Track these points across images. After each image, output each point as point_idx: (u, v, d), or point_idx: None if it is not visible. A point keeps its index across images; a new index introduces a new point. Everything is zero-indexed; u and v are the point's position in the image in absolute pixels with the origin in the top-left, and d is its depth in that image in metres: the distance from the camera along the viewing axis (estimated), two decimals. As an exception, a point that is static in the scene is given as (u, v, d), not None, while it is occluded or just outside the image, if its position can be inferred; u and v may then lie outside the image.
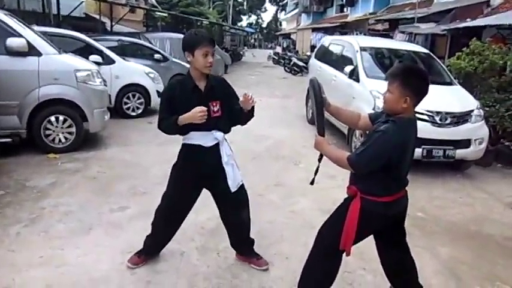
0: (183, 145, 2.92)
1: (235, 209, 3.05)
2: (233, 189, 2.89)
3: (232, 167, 2.91)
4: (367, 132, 2.63)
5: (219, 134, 2.84)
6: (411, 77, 2.31)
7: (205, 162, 2.85)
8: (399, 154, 2.29)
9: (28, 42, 5.36)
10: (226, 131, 2.92)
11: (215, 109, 2.80)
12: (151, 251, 3.18)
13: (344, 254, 2.52)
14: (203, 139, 2.82)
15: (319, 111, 2.54)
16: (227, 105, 2.85)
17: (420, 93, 2.30)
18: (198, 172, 2.88)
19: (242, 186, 3.03)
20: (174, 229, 3.12)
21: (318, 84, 2.58)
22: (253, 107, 2.86)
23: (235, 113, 2.88)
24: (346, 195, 2.56)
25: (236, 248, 3.27)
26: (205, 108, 2.67)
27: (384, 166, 2.29)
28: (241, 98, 2.80)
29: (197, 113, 2.65)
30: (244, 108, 2.81)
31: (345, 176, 2.55)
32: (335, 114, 2.71)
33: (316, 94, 2.55)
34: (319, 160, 2.60)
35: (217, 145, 2.85)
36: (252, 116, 2.92)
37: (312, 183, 2.68)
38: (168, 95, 2.83)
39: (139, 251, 3.15)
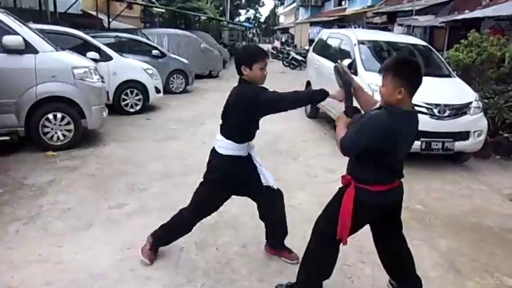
0: (223, 156, 2.91)
1: (270, 202, 3.11)
2: (275, 185, 3.03)
3: (264, 169, 3.03)
4: None
5: (251, 144, 3.00)
6: (403, 68, 2.33)
7: (243, 172, 2.95)
8: (391, 142, 2.29)
9: (24, 39, 5.33)
10: (253, 138, 3.05)
11: None
12: (163, 243, 3.20)
13: (341, 244, 2.54)
14: (243, 150, 2.93)
15: (347, 92, 2.66)
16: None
17: (414, 83, 2.32)
18: (237, 182, 2.97)
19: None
20: (189, 230, 3.16)
21: (343, 67, 2.74)
22: None
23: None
24: (341, 186, 2.57)
25: (272, 240, 3.30)
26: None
27: (374, 154, 2.31)
28: None
29: (342, 93, 2.72)
30: None
31: (343, 170, 2.55)
32: (357, 93, 2.73)
33: (342, 76, 2.69)
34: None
35: (249, 154, 2.99)
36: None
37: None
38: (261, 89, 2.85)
39: (154, 245, 3.14)
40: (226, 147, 2.89)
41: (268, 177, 3.02)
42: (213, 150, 2.96)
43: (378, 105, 2.51)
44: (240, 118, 2.82)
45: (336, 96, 2.77)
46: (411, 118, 2.40)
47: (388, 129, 2.27)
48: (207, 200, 3.02)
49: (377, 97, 2.67)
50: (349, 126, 2.48)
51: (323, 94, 2.78)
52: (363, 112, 2.73)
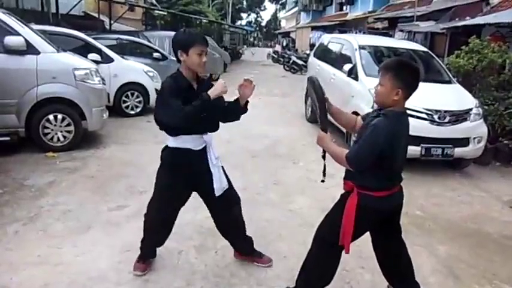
0: (171, 149, 2.78)
1: (225, 210, 2.99)
2: (218, 193, 2.82)
3: (219, 169, 2.85)
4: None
5: (207, 137, 2.80)
6: (403, 70, 2.35)
7: (195, 166, 2.78)
8: (390, 146, 2.29)
9: (26, 40, 5.34)
10: (215, 129, 2.88)
11: None
12: (150, 254, 3.11)
13: (344, 251, 2.53)
14: (193, 142, 2.75)
15: (322, 108, 2.57)
16: (216, 105, 2.73)
17: (411, 87, 2.34)
18: (187, 175, 2.80)
19: (231, 185, 2.98)
20: (168, 230, 3.04)
21: (318, 81, 2.63)
22: (247, 101, 2.84)
23: (229, 109, 2.85)
24: (343, 192, 2.57)
25: (236, 247, 3.24)
26: (223, 82, 2.66)
27: (376, 160, 2.30)
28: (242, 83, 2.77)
29: (222, 85, 2.63)
30: (243, 95, 2.79)
31: (343, 175, 2.55)
32: (336, 116, 2.72)
33: (317, 91, 2.59)
34: (323, 157, 2.61)
35: (205, 148, 2.80)
36: (246, 110, 2.88)
37: (322, 181, 2.69)
38: (171, 89, 2.63)
39: (140, 257, 3.07)
40: (170, 140, 2.77)
41: (221, 182, 2.83)
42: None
43: (373, 110, 2.52)
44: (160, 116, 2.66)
45: (218, 90, 2.61)
46: (405, 120, 2.43)
47: (390, 134, 2.29)
48: (160, 191, 2.88)
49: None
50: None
51: (205, 99, 2.57)
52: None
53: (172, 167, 2.81)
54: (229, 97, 2.87)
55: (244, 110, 2.88)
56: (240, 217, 3.09)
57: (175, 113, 2.51)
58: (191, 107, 2.53)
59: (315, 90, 2.60)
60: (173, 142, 2.76)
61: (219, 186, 2.82)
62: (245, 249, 3.24)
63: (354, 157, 2.33)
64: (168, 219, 2.98)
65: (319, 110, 2.59)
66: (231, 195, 2.97)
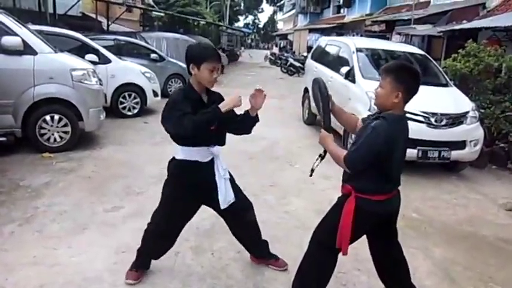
0: (178, 161, 2.73)
1: (236, 218, 2.97)
2: (223, 206, 2.78)
3: (225, 181, 2.79)
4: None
5: (215, 149, 2.75)
6: (404, 73, 2.36)
7: (202, 178, 2.74)
8: (388, 150, 2.30)
9: (23, 40, 5.33)
10: (223, 144, 2.84)
11: None
12: (144, 265, 3.02)
13: (341, 254, 2.53)
14: (200, 154, 2.70)
15: (326, 107, 2.59)
16: (229, 119, 2.73)
17: (411, 91, 2.35)
18: (194, 187, 2.76)
19: (240, 191, 2.95)
20: (169, 244, 2.98)
21: (323, 81, 2.66)
22: (256, 114, 2.81)
23: (239, 121, 2.81)
24: (340, 195, 2.57)
25: (251, 251, 3.23)
26: (239, 96, 2.62)
27: (375, 164, 2.31)
28: (253, 92, 2.73)
29: (237, 99, 2.59)
30: (255, 105, 2.75)
31: (340, 177, 2.56)
32: (337, 115, 2.72)
33: (321, 90, 2.61)
34: (322, 157, 2.61)
35: (212, 160, 2.76)
36: (257, 120, 2.84)
37: (311, 174, 2.68)
38: (180, 100, 2.59)
39: (135, 265, 2.97)
40: (177, 152, 2.72)
41: (226, 195, 2.78)
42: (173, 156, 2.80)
43: (373, 113, 2.52)
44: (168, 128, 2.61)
45: (231, 104, 2.59)
46: (405, 124, 2.43)
47: (390, 138, 2.29)
48: (165, 204, 2.84)
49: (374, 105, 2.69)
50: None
51: (216, 112, 2.55)
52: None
53: (179, 179, 2.77)
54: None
55: (255, 120, 2.84)
56: (252, 222, 3.06)
57: (183, 122, 2.46)
58: (200, 116, 2.51)
59: (320, 90, 2.63)
60: (181, 154, 2.71)
61: (223, 199, 2.77)
62: (260, 253, 3.22)
63: (351, 158, 2.34)
64: (171, 232, 2.92)
65: (323, 110, 2.60)
66: (240, 203, 2.92)
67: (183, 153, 2.70)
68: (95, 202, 4.24)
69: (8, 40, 5.22)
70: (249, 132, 2.92)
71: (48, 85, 5.55)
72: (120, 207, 4.17)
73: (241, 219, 3.00)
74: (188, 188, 2.74)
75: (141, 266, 3.00)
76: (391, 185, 2.49)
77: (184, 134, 2.54)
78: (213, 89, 2.80)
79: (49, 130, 5.69)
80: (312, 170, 2.67)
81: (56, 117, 5.70)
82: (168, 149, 6.45)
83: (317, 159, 2.64)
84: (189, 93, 2.65)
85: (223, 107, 2.56)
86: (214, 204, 2.83)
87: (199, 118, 2.50)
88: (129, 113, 8.57)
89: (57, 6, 13.09)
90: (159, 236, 2.90)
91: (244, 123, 2.84)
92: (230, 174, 2.90)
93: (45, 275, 2.93)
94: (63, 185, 4.64)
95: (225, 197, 2.78)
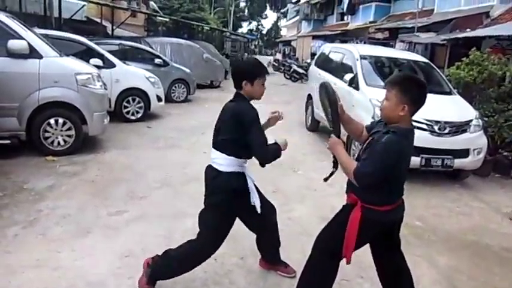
0: (229, 174, 2.71)
1: (266, 219, 2.98)
2: (259, 210, 2.81)
3: (255, 187, 2.86)
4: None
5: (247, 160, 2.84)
6: (410, 85, 2.33)
7: (243, 189, 2.77)
8: (399, 164, 2.29)
9: (29, 44, 5.36)
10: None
11: None
12: (164, 276, 2.90)
13: (346, 263, 2.52)
14: (242, 166, 2.77)
15: (334, 113, 2.57)
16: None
17: (418, 103, 2.33)
18: (241, 201, 2.78)
19: (263, 195, 2.97)
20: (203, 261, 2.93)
21: (331, 86, 2.63)
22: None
23: None
24: (343, 202, 2.57)
25: (267, 255, 3.23)
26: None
27: (383, 178, 2.29)
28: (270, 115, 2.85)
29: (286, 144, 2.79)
30: (268, 125, 2.92)
31: (343, 184, 2.56)
32: (345, 122, 2.69)
33: (330, 95, 2.58)
34: (335, 164, 2.59)
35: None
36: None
37: (325, 180, 2.68)
38: (257, 117, 2.67)
39: (151, 277, 2.84)
40: (228, 163, 2.70)
41: (259, 200, 2.84)
42: (211, 169, 2.76)
43: (377, 119, 2.50)
44: (238, 135, 2.64)
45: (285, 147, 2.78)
46: (412, 137, 2.42)
47: (401, 153, 2.29)
48: (218, 226, 2.78)
49: (378, 112, 2.69)
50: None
51: (279, 150, 2.73)
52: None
53: (232, 193, 2.72)
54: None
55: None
56: (276, 225, 3.11)
57: (262, 145, 2.64)
58: (272, 150, 2.70)
59: (329, 94, 2.59)
60: (228, 167, 2.71)
61: (258, 203, 2.81)
62: (273, 257, 3.23)
63: (361, 174, 2.31)
64: (208, 255, 2.88)
65: (332, 115, 2.58)
66: (267, 206, 2.96)
67: (232, 164, 2.72)
68: (99, 206, 4.24)
69: (14, 43, 5.26)
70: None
71: (53, 89, 5.58)
72: (124, 211, 4.18)
73: (269, 221, 3.02)
74: (236, 200, 2.75)
75: (158, 279, 2.88)
76: (397, 195, 2.49)
77: (256, 154, 2.67)
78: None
79: (53, 133, 5.71)
80: (328, 178, 2.66)
81: (60, 120, 5.72)
82: (170, 154, 6.53)
83: (332, 170, 2.63)
84: (251, 105, 2.73)
85: (283, 147, 2.76)
86: (244, 211, 2.85)
87: (273, 151, 2.71)
88: (133, 118, 8.60)
89: (63, 10, 13.18)
90: (202, 260, 2.87)
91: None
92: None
93: (48, 278, 2.93)
94: (66, 188, 4.65)
95: (259, 201, 2.83)
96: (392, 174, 2.30)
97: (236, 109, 2.67)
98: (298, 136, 8.47)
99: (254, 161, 2.73)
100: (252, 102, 2.76)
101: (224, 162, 2.71)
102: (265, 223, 3.00)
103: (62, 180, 4.86)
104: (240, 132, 2.63)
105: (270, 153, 2.68)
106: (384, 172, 2.27)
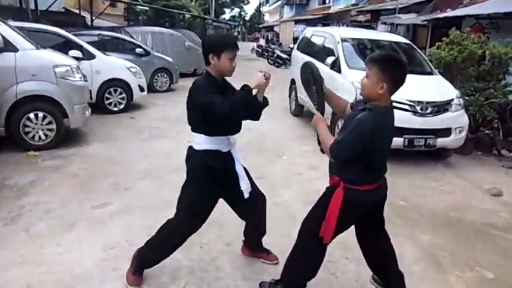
0: (200, 152, 2.66)
1: (256, 205, 2.95)
2: (246, 194, 2.75)
3: (243, 171, 2.79)
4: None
5: (232, 138, 2.75)
6: (390, 64, 2.34)
7: (224, 166, 2.69)
8: (374, 142, 2.31)
9: (3, 37, 5.24)
10: (238, 131, 2.80)
11: None
12: (150, 263, 2.90)
13: (331, 244, 2.55)
14: (221, 144, 2.67)
15: (319, 90, 2.59)
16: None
17: (397, 81, 2.33)
18: (218, 178, 2.69)
19: (254, 184, 2.92)
20: (184, 240, 2.88)
21: (315, 65, 2.66)
22: (265, 97, 2.74)
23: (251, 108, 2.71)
24: (328, 186, 2.58)
25: (252, 242, 3.22)
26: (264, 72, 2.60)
27: (362, 155, 2.31)
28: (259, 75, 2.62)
29: (261, 75, 2.57)
30: (261, 90, 2.67)
31: (327, 167, 2.57)
32: (328, 97, 2.70)
33: (314, 73, 2.60)
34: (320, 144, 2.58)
35: (229, 150, 2.74)
36: (267, 104, 2.77)
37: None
38: (207, 87, 2.57)
39: (139, 267, 2.85)
40: (200, 141, 2.65)
41: (247, 183, 2.78)
42: (189, 148, 2.74)
43: (359, 104, 2.51)
44: (198, 115, 2.58)
45: (258, 82, 2.57)
46: (391, 115, 2.44)
47: (376, 130, 2.29)
48: (195, 203, 2.72)
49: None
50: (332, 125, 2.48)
51: (247, 91, 2.53)
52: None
53: (206, 170, 2.66)
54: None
55: (262, 105, 2.75)
56: (265, 211, 3.07)
57: (221, 103, 2.44)
58: (235, 97, 2.50)
59: (313, 73, 2.61)
60: (202, 144, 2.65)
61: (246, 187, 2.76)
62: (256, 244, 3.22)
63: (336, 148, 2.34)
64: (193, 232, 2.82)
65: (317, 92, 2.60)
66: (257, 191, 2.93)
67: (204, 142, 2.65)
68: (82, 199, 4.20)
69: (-14, 38, 5.13)
70: (257, 118, 2.82)
71: (31, 82, 5.47)
72: (108, 203, 4.15)
73: (258, 207, 2.99)
74: (212, 179, 2.67)
75: (145, 267, 2.88)
76: (378, 174, 2.51)
77: (223, 115, 2.48)
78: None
79: (33, 128, 5.61)
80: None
81: (40, 114, 5.62)
82: (155, 144, 6.48)
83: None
84: (212, 81, 2.63)
85: (252, 84, 2.55)
86: (231, 194, 2.81)
87: (236, 99, 2.50)
88: (115, 109, 8.49)
89: (39, 2, 12.87)
90: (183, 239, 2.82)
91: (253, 108, 2.72)
92: (244, 168, 2.87)
93: (33, 274, 2.91)
94: (49, 183, 4.59)
95: (247, 185, 2.77)
96: (369, 151, 2.32)
97: (191, 86, 2.62)
98: (282, 121, 8.49)
99: (239, 147, 2.71)
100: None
101: (198, 140, 2.67)
102: (253, 210, 2.98)
103: (45, 175, 4.80)
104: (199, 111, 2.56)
105: (235, 104, 2.47)
106: (358, 147, 2.29)
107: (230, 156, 2.74)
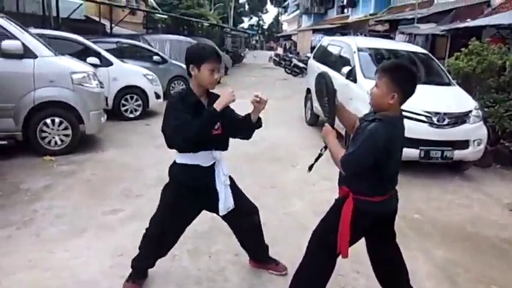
0: (179, 165, 2.67)
1: (242, 221, 2.91)
2: (222, 212, 2.72)
3: (226, 188, 2.72)
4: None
5: (217, 153, 2.70)
6: (401, 73, 2.30)
7: (203, 182, 2.67)
8: (385, 153, 2.25)
9: (23, 44, 5.35)
10: (225, 148, 2.78)
11: (216, 126, 2.61)
12: (141, 273, 2.92)
13: (341, 257, 2.49)
14: (202, 158, 2.64)
15: (331, 101, 2.54)
16: (229, 121, 2.69)
17: (407, 91, 2.29)
18: (195, 193, 2.68)
19: (243, 195, 2.90)
20: (165, 250, 2.91)
21: (329, 75, 2.61)
22: (259, 118, 2.73)
23: (239, 123, 2.73)
24: (337, 197, 2.53)
25: (252, 255, 3.18)
26: (231, 90, 2.56)
27: (372, 165, 2.26)
28: (254, 98, 2.61)
29: (229, 94, 2.52)
30: (256, 110, 2.66)
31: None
32: (339, 112, 2.64)
33: (328, 84, 2.55)
34: (320, 154, 2.58)
35: (213, 164, 2.69)
36: (257, 126, 2.76)
37: (310, 169, 2.65)
38: (178, 105, 2.55)
39: (132, 276, 2.87)
40: (178, 155, 2.66)
41: (226, 203, 2.70)
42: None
43: (368, 115, 2.46)
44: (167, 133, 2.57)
45: (224, 101, 2.51)
46: (401, 125, 2.39)
47: (388, 141, 2.24)
48: (169, 210, 2.74)
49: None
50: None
51: (212, 112, 2.49)
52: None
53: (180, 183, 2.69)
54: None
55: (254, 126, 2.73)
56: (256, 227, 3.00)
57: (183, 128, 2.42)
58: (198, 121, 2.46)
59: (327, 84, 2.56)
60: (182, 158, 2.66)
61: (223, 206, 2.70)
62: (261, 257, 3.17)
63: (347, 161, 2.29)
64: (168, 238, 2.83)
65: (329, 104, 2.55)
66: (245, 208, 2.88)
67: (183, 157, 2.65)
68: (94, 205, 4.22)
69: (7, 44, 5.25)
70: (248, 137, 2.83)
71: (48, 88, 5.57)
72: (119, 210, 4.16)
73: (245, 223, 2.94)
74: (188, 193, 2.67)
75: (138, 274, 2.90)
76: (388, 185, 2.45)
77: (186, 141, 2.49)
78: (218, 90, 2.74)
79: (50, 133, 5.70)
80: (311, 166, 2.64)
81: (57, 120, 5.70)
82: (169, 152, 6.46)
83: (318, 156, 2.61)
84: (187, 97, 2.60)
85: (217, 105, 2.50)
86: (214, 209, 2.78)
87: (198, 124, 2.45)
88: (131, 116, 8.58)
89: (61, 10, 13.13)
90: (156, 242, 2.82)
91: (244, 127, 2.74)
92: (232, 179, 2.84)
93: (39, 279, 2.92)
94: (63, 188, 4.63)
95: (225, 204, 2.71)
96: (380, 162, 2.27)
97: (167, 101, 2.62)
98: (297, 130, 8.44)
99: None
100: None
101: (177, 153, 2.67)
102: (244, 225, 2.94)
103: (59, 180, 4.85)
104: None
105: (187, 128, 2.44)
106: (369, 158, 2.24)
107: (212, 171, 2.68)
